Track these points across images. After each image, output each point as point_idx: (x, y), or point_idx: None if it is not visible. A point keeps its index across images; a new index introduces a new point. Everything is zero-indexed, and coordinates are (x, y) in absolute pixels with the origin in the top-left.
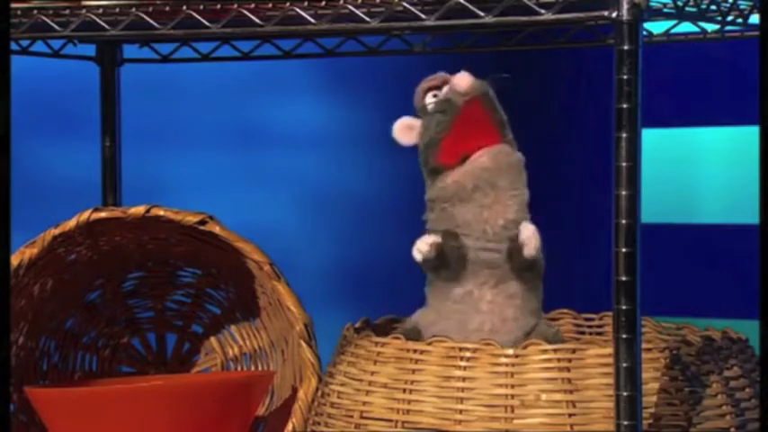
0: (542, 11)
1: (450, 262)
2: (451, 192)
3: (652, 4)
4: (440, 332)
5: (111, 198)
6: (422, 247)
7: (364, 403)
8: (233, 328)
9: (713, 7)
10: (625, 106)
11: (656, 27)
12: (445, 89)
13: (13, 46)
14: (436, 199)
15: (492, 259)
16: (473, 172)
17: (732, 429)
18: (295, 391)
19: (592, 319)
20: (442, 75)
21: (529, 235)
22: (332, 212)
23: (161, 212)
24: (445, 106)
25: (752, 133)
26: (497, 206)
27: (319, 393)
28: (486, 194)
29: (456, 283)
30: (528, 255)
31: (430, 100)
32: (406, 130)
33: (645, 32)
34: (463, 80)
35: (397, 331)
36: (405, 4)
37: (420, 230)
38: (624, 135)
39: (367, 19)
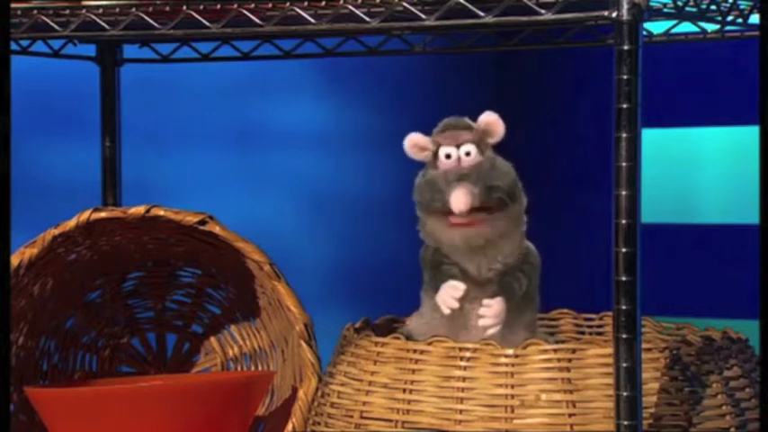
0: (542, 11)
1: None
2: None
3: (652, 4)
4: None
5: (111, 198)
6: (450, 304)
7: (364, 403)
8: (233, 328)
9: (713, 7)
10: (625, 106)
11: (656, 27)
12: (463, 150)
13: (13, 46)
14: (425, 231)
15: (483, 280)
16: (462, 242)
17: (732, 429)
18: (295, 391)
19: (592, 319)
20: (457, 133)
21: (488, 313)
22: (332, 212)
23: (161, 212)
24: (440, 195)
25: (752, 133)
26: (491, 251)
27: (319, 393)
28: (478, 251)
29: None
30: (481, 326)
31: (442, 155)
32: (416, 150)
33: (645, 32)
34: (458, 203)
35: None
36: (405, 4)
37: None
38: (624, 135)
39: (367, 19)
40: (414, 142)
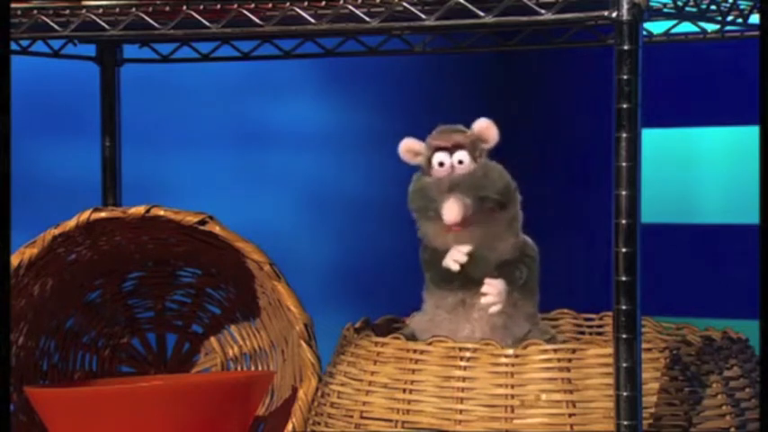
0: (542, 11)
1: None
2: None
3: (652, 4)
4: None
5: (111, 198)
6: (459, 258)
7: (364, 403)
8: (233, 328)
9: (713, 7)
10: (625, 106)
11: (656, 27)
12: (456, 158)
13: (13, 46)
14: (421, 233)
15: (483, 273)
16: (455, 246)
17: (732, 429)
18: (295, 391)
19: (592, 319)
20: (455, 136)
21: (491, 291)
22: (332, 212)
23: (161, 212)
24: (431, 204)
25: (752, 133)
26: (485, 253)
27: (319, 393)
28: (472, 253)
29: (449, 291)
30: (484, 303)
31: (435, 163)
32: (410, 155)
33: (645, 32)
34: (450, 215)
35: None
36: (405, 4)
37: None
38: (624, 135)
39: (367, 19)
40: (408, 147)
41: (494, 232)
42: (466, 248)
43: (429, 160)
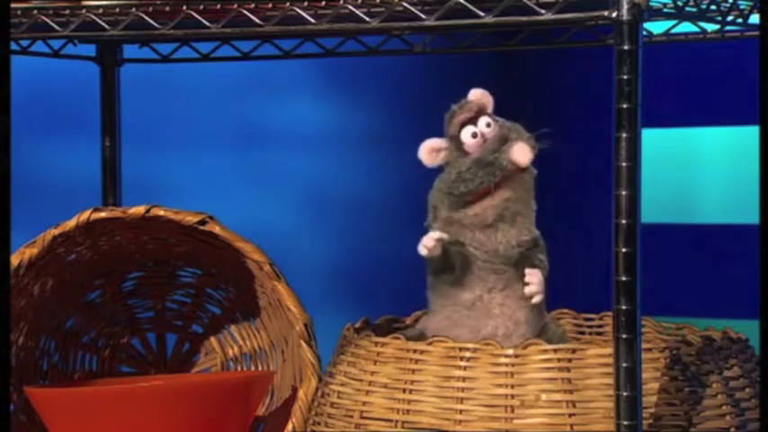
0: (542, 11)
1: (454, 265)
2: (470, 221)
3: (652, 4)
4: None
5: (111, 198)
6: (428, 243)
7: (364, 403)
8: (233, 328)
9: (713, 7)
10: (625, 106)
11: (656, 27)
12: (482, 123)
13: (13, 46)
14: (449, 218)
15: (500, 268)
16: (496, 205)
17: (732, 429)
18: (295, 391)
19: (592, 319)
20: (473, 103)
21: (534, 281)
22: (332, 212)
23: (161, 212)
24: (492, 167)
25: (752, 133)
26: (513, 230)
27: (319, 393)
28: (505, 221)
29: (463, 288)
30: (528, 293)
31: (468, 138)
32: (433, 153)
33: (645, 32)
34: (525, 156)
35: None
36: (405, 4)
37: (420, 230)
38: (624, 135)
39: (367, 19)
40: (431, 146)
41: (522, 193)
42: (437, 234)
43: (457, 145)
